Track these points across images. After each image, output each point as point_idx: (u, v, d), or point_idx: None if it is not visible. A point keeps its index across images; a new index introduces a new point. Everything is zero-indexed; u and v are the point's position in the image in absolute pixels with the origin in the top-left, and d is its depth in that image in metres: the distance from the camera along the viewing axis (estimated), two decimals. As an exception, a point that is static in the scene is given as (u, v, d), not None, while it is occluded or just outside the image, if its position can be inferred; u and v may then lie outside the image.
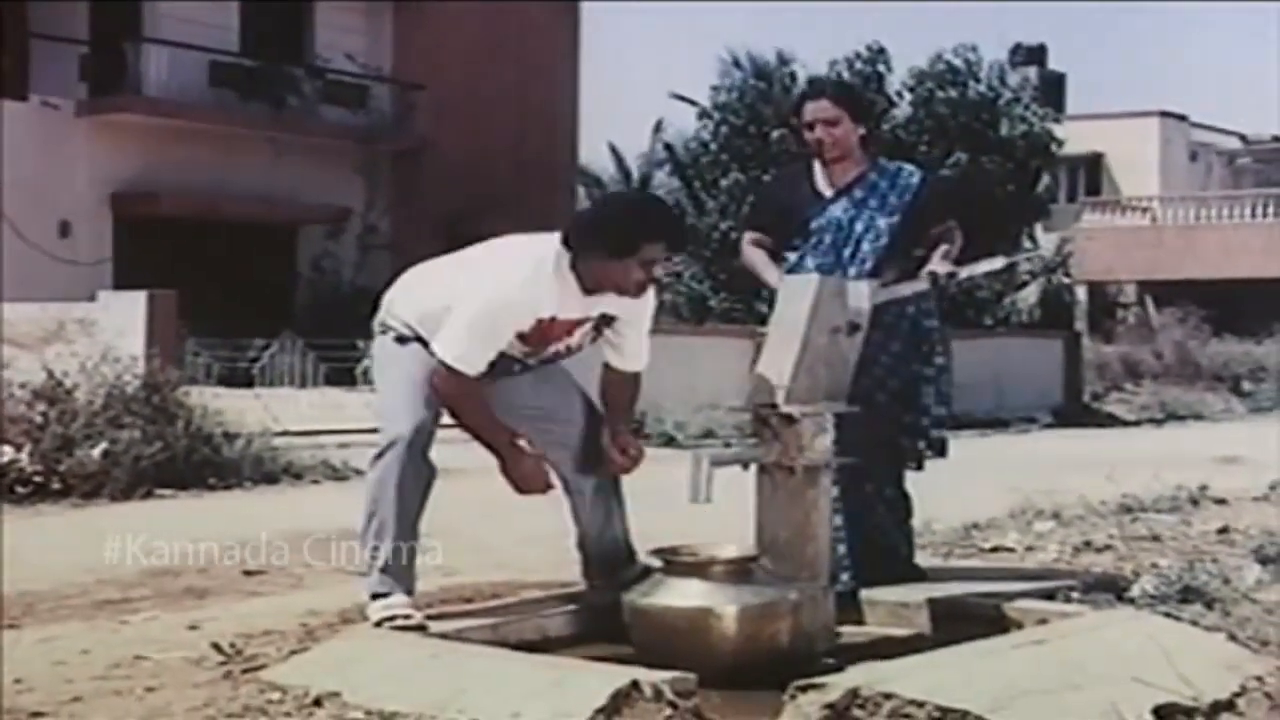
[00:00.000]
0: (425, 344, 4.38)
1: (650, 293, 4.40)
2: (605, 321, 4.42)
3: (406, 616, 4.22)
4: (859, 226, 4.93)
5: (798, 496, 4.21)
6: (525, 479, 4.36)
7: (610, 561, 4.67)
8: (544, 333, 4.33)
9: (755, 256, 5.08)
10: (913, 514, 5.11)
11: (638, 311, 4.44)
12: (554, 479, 4.49)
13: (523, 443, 4.37)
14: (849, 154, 4.97)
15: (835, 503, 4.58)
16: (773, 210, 5.14)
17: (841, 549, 4.72)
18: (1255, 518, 7.07)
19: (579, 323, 4.37)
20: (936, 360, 5.00)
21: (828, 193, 4.99)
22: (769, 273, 4.99)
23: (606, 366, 4.55)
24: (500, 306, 4.25)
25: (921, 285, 4.80)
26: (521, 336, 4.31)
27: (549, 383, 4.56)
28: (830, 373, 4.33)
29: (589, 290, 4.29)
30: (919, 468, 5.02)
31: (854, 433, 4.45)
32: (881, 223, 4.93)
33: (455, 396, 4.27)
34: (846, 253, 4.91)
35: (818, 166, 5.03)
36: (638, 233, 4.23)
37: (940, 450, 5.00)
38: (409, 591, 4.32)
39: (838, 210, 4.95)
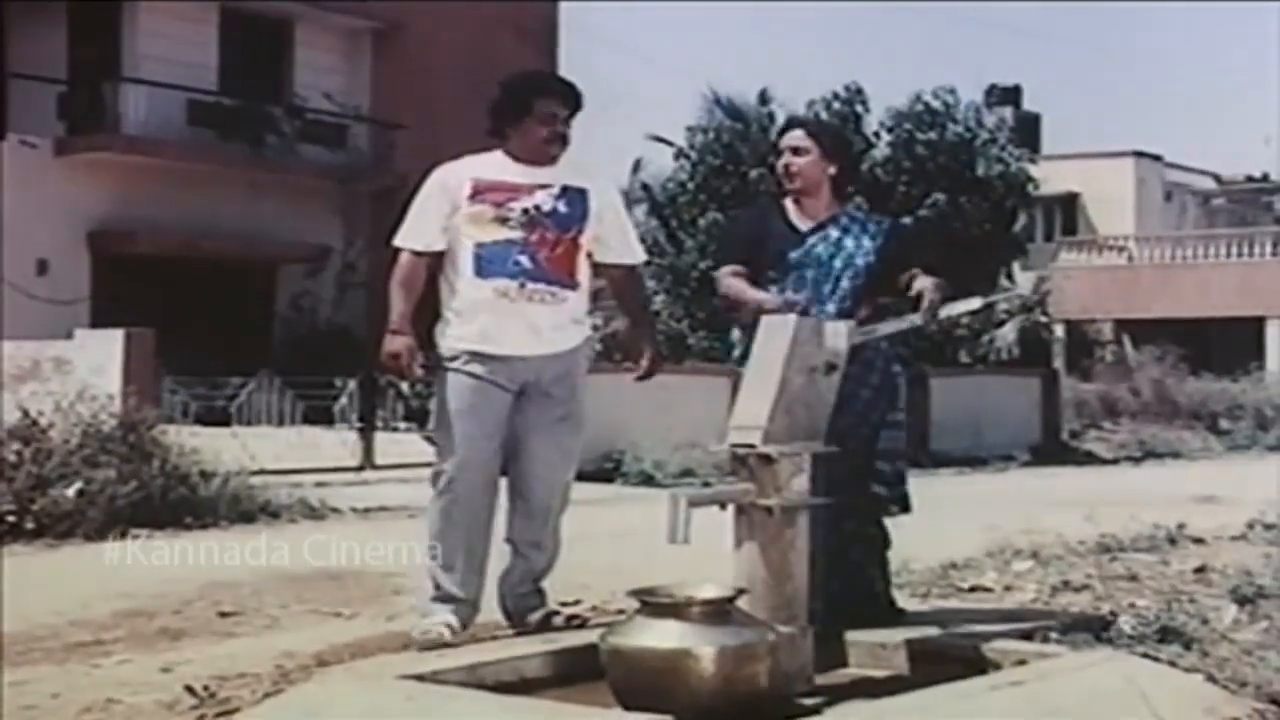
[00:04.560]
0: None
1: (613, 187, 5.21)
2: (578, 198, 4.90)
3: (440, 633, 4.64)
4: (838, 264, 4.96)
5: (776, 537, 4.20)
6: (389, 355, 4.80)
7: (520, 594, 4.95)
8: (498, 190, 4.83)
9: (738, 282, 4.98)
10: (890, 547, 5.09)
11: (607, 201, 5.04)
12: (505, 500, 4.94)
13: (405, 339, 4.80)
14: (812, 188, 5.00)
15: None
16: (748, 242, 5.10)
17: None
18: (1233, 557, 7.07)
19: (537, 186, 4.86)
20: (900, 410, 5.03)
21: (803, 228, 5.01)
22: (756, 292, 4.89)
23: (608, 267, 5.10)
24: (431, 183, 4.93)
25: (902, 325, 4.82)
26: (474, 197, 4.82)
27: (551, 416, 4.91)
28: (808, 413, 4.32)
29: (524, 161, 4.88)
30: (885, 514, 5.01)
31: (836, 470, 4.47)
32: (860, 262, 4.97)
33: (396, 271, 4.89)
34: (826, 289, 4.92)
35: (789, 204, 5.05)
36: (528, 91, 4.94)
37: (904, 506, 5.01)
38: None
39: (819, 247, 4.97)
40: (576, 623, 4.92)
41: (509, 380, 4.84)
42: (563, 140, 4.94)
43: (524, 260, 4.80)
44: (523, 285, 4.80)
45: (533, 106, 4.90)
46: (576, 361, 4.99)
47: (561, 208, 4.89)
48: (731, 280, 5.01)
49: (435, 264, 4.92)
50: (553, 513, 4.99)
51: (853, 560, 4.91)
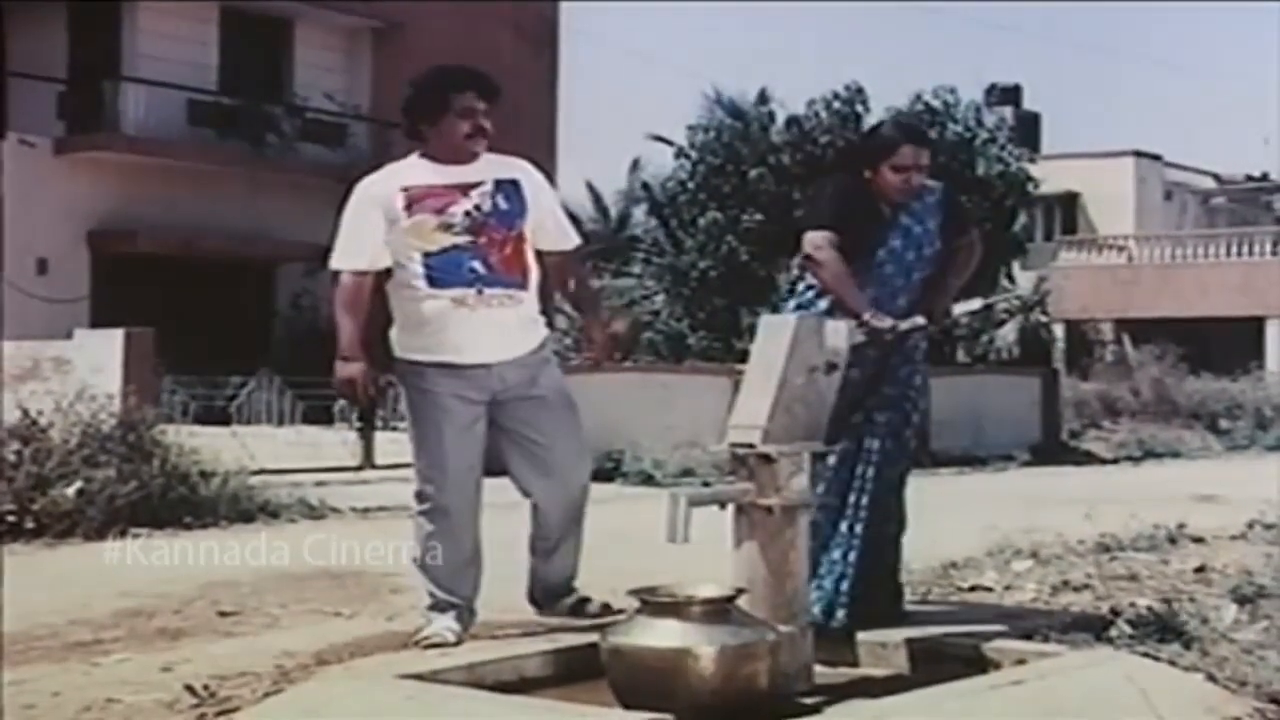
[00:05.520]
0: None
1: (538, 172, 4.92)
2: (513, 191, 4.76)
3: (444, 638, 4.61)
4: (910, 256, 4.93)
5: (776, 536, 4.20)
6: (342, 381, 4.76)
7: (552, 586, 4.98)
8: (429, 198, 4.69)
9: (842, 268, 4.74)
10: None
11: (538, 187, 4.87)
12: (522, 494, 4.93)
13: (358, 364, 4.73)
14: None
15: (853, 539, 4.75)
16: (846, 213, 4.82)
17: (844, 585, 4.77)
18: (1233, 556, 7.07)
19: (468, 186, 4.72)
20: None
21: (884, 211, 4.91)
22: (859, 297, 4.72)
23: (546, 254, 4.93)
24: (358, 199, 4.77)
25: (918, 323, 4.85)
26: (410, 208, 4.66)
27: (549, 411, 4.86)
28: (808, 412, 4.32)
29: (447, 161, 4.72)
30: None
31: (895, 468, 4.74)
32: (927, 252, 4.94)
33: (340, 294, 4.78)
34: (899, 283, 4.90)
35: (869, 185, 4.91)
36: (444, 87, 4.76)
37: None
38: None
39: (896, 241, 4.91)
40: (610, 612, 4.86)
41: (477, 392, 4.77)
42: (484, 134, 4.80)
43: (477, 266, 4.69)
44: (480, 291, 4.70)
45: (451, 102, 4.75)
46: (542, 362, 4.89)
47: (502, 204, 4.77)
48: (835, 257, 4.74)
49: (378, 281, 4.79)
50: (580, 509, 5.00)
51: (887, 560, 4.98)
